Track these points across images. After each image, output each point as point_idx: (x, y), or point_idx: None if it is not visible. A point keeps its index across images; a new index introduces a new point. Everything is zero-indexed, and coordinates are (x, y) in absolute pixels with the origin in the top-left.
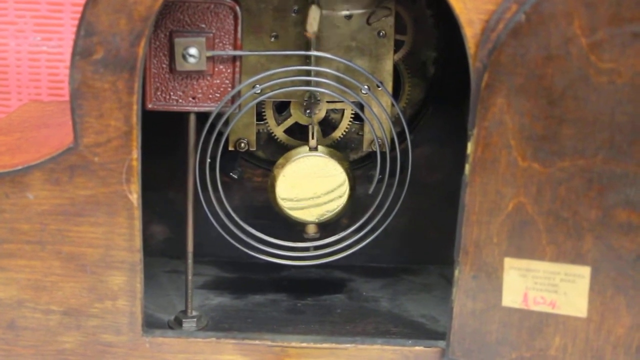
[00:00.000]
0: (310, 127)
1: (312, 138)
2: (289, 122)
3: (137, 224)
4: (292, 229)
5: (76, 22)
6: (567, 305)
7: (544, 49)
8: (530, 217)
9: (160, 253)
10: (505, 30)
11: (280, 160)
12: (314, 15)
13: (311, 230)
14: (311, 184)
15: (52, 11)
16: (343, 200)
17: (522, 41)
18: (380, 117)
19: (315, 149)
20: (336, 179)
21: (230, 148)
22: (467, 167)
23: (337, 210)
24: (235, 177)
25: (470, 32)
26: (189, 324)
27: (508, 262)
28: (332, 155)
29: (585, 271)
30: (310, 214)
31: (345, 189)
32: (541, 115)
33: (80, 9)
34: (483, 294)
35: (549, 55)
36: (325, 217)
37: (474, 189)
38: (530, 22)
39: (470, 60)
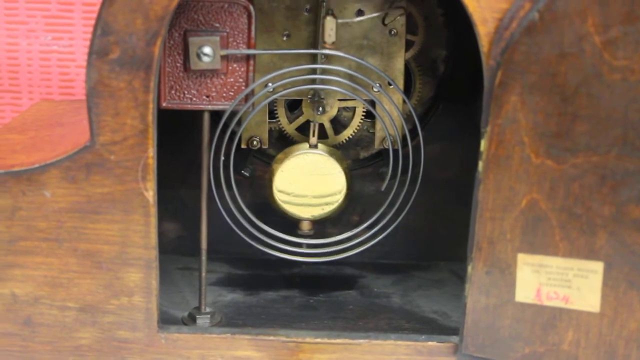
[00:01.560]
0: (312, 124)
1: (313, 136)
2: (300, 120)
3: (153, 221)
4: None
5: (87, 22)
6: (580, 300)
7: (558, 47)
8: (544, 214)
9: (172, 250)
10: (518, 29)
11: (280, 156)
12: (330, 26)
13: (305, 227)
14: (309, 182)
15: (63, 10)
16: (339, 201)
17: (535, 39)
18: (392, 114)
19: (315, 146)
20: (334, 178)
21: (243, 146)
22: (481, 164)
23: (332, 210)
24: (247, 174)
25: (484, 30)
26: (203, 320)
27: (521, 258)
28: (331, 154)
29: (598, 267)
30: (305, 212)
31: (343, 190)
32: (554, 113)
33: (91, 8)
34: (496, 289)
35: (562, 53)
36: (320, 215)
37: (487, 185)
38: (543, 20)
39: (484, 58)
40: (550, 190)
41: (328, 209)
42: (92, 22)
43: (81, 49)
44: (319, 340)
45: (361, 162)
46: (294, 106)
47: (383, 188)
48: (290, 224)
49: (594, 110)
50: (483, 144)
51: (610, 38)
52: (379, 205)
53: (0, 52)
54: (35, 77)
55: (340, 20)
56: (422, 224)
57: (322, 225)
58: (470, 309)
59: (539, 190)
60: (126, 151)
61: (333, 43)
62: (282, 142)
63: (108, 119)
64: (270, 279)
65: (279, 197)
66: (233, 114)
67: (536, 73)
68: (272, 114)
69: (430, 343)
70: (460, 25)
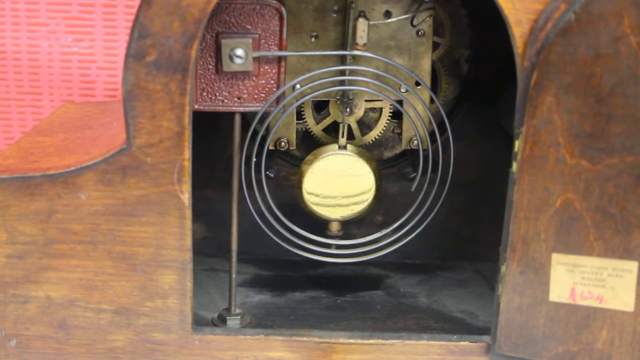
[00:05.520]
0: (341, 125)
1: (342, 137)
2: (327, 121)
3: (188, 223)
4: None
5: (107, 23)
6: (615, 299)
7: (593, 48)
8: (578, 214)
9: (197, 251)
10: (554, 30)
11: (309, 157)
12: (362, 27)
13: (334, 227)
14: (338, 183)
15: (83, 12)
16: (369, 201)
17: (571, 40)
18: (421, 114)
19: (345, 147)
20: (363, 179)
21: (271, 147)
22: (515, 165)
23: (361, 210)
24: (272, 175)
25: (519, 31)
26: (233, 322)
27: (555, 257)
28: (360, 155)
29: (633, 266)
30: (335, 212)
31: (371, 190)
32: (590, 113)
33: (112, 9)
34: (530, 289)
35: (598, 54)
36: (349, 216)
37: (521, 186)
38: (579, 21)
39: (518, 60)
40: (585, 190)
41: (357, 209)
42: (113, 24)
43: (101, 50)
44: (351, 341)
45: (385, 162)
46: (320, 107)
47: (413, 188)
48: (316, 224)
49: (629, 110)
50: (517, 145)
51: None
52: (403, 205)
53: (21, 54)
54: (55, 79)
55: (371, 22)
56: (445, 224)
57: (346, 226)
58: (503, 308)
59: (574, 190)
60: (162, 153)
61: (364, 45)
62: (307, 143)
63: (144, 121)
64: (296, 280)
65: (308, 198)
66: (261, 115)
67: (571, 74)
68: (299, 115)
69: (462, 343)
70: (483, 25)
